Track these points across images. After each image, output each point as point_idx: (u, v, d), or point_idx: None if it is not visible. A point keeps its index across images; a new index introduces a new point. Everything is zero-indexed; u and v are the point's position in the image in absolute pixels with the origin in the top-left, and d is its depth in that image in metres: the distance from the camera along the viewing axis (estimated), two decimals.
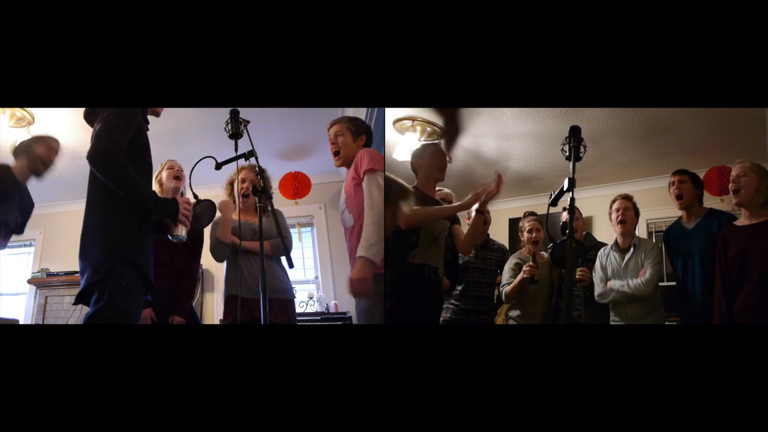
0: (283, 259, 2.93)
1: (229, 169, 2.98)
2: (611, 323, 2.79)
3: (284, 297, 2.83)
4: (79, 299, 1.72)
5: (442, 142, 3.90)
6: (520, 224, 3.28)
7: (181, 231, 1.83)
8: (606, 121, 3.72)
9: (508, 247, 3.51)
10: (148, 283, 1.78)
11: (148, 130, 1.92)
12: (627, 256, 2.79)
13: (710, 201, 3.37)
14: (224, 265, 2.93)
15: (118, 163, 1.66)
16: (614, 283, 2.75)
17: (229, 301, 2.82)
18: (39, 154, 2.38)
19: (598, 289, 2.81)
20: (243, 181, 2.83)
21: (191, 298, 2.93)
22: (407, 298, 2.24)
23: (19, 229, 2.57)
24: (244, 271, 2.74)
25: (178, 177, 2.90)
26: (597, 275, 2.85)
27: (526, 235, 3.17)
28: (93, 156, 1.66)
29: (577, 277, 2.78)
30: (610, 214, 2.88)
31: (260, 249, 2.08)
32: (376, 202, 2.16)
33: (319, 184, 5.08)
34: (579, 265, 2.80)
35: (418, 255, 2.29)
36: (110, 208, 1.73)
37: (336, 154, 2.41)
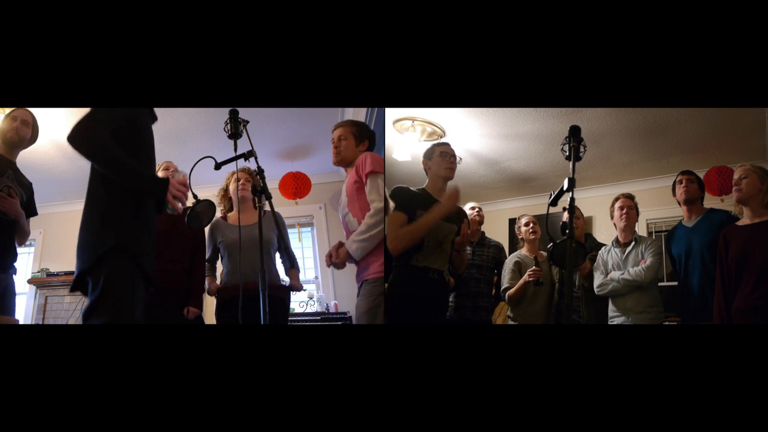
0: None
1: (223, 175, 3.03)
2: (610, 316, 2.84)
3: (279, 294, 2.87)
4: (75, 286, 1.71)
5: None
6: (516, 224, 3.33)
7: (175, 205, 1.80)
8: (606, 121, 3.72)
9: (507, 247, 3.53)
10: (146, 275, 1.75)
11: (155, 120, 1.91)
12: (627, 250, 2.86)
13: (710, 201, 3.38)
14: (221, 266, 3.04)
15: (98, 138, 1.61)
16: (614, 274, 2.81)
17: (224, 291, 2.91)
18: (7, 128, 2.52)
19: (597, 281, 2.85)
20: (238, 180, 2.89)
21: (202, 291, 3.01)
22: (410, 298, 2.24)
23: (31, 210, 2.63)
24: (242, 269, 2.76)
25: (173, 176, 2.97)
26: (598, 270, 2.90)
27: (523, 229, 3.22)
28: (71, 134, 1.61)
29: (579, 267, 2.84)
30: (612, 211, 2.97)
31: (260, 249, 2.08)
32: (376, 205, 2.18)
33: (319, 184, 5.09)
34: (579, 265, 2.83)
35: (422, 258, 2.30)
36: (106, 197, 1.71)
37: (336, 154, 2.42)
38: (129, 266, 1.68)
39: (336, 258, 2.27)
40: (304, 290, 3.04)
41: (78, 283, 1.70)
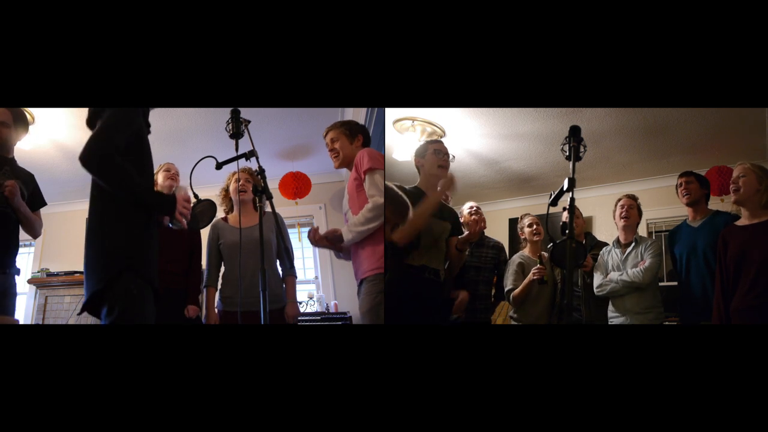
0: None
1: (225, 175, 3.03)
2: (609, 317, 2.84)
3: (281, 305, 2.85)
4: (86, 308, 1.70)
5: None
6: (519, 224, 3.31)
7: (182, 221, 1.83)
8: (606, 121, 3.72)
9: (507, 247, 3.53)
10: (155, 290, 1.76)
11: (149, 132, 1.90)
12: (627, 251, 2.86)
13: (710, 201, 3.37)
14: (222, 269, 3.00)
15: (112, 161, 1.63)
16: (613, 275, 2.81)
17: (224, 316, 2.86)
18: None
19: (597, 281, 2.85)
20: (237, 180, 2.89)
21: (199, 292, 3.02)
22: (407, 299, 2.24)
23: (38, 201, 2.64)
24: (243, 279, 2.73)
25: (173, 179, 2.98)
26: (598, 270, 2.91)
27: (526, 230, 3.21)
28: (84, 156, 1.62)
29: (583, 264, 2.86)
30: (614, 211, 2.98)
31: (260, 249, 2.08)
32: (376, 199, 2.18)
33: (319, 184, 5.09)
34: (579, 265, 2.84)
35: (418, 256, 2.29)
36: (112, 215, 1.70)
37: (335, 157, 2.43)
38: (140, 285, 1.68)
39: (322, 237, 2.31)
40: (298, 322, 2.95)
41: (89, 303, 1.69)
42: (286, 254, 2.79)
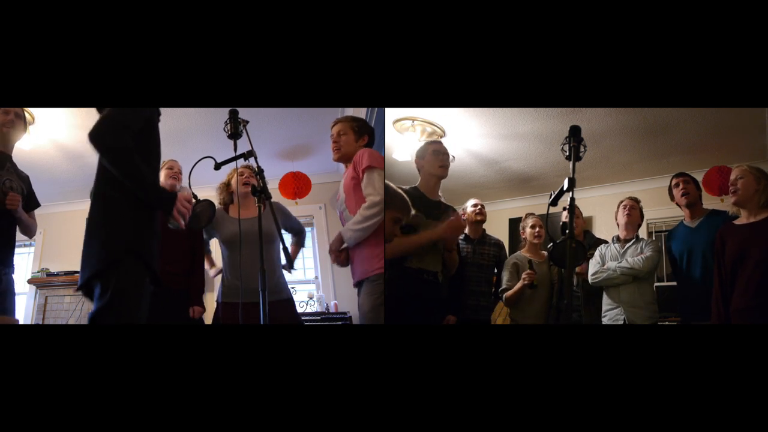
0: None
1: (222, 175, 3.04)
2: (604, 309, 2.85)
3: (282, 297, 2.83)
4: (81, 288, 1.67)
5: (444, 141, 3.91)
6: (522, 223, 3.32)
7: (179, 221, 1.80)
8: (606, 121, 3.72)
9: (507, 247, 3.53)
10: (154, 276, 1.74)
11: (159, 121, 1.87)
12: (627, 245, 2.88)
13: (710, 201, 3.38)
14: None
15: (122, 145, 1.58)
16: (611, 263, 2.82)
17: (224, 307, 2.85)
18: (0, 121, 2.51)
19: (592, 269, 2.85)
20: (241, 174, 2.90)
21: (203, 291, 3.05)
22: (407, 299, 2.24)
23: (33, 202, 2.66)
24: (243, 270, 2.73)
25: (175, 177, 2.96)
26: (594, 261, 2.92)
27: (528, 230, 3.21)
28: (95, 133, 1.56)
29: (576, 271, 2.85)
30: (616, 211, 3.00)
31: (260, 249, 2.08)
32: (372, 198, 2.18)
33: (319, 184, 5.08)
34: (579, 264, 2.84)
35: (416, 260, 2.30)
36: (118, 199, 1.67)
37: (336, 150, 2.42)
38: (139, 270, 1.67)
39: (336, 256, 2.33)
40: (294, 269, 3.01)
41: (85, 285, 1.67)
42: (293, 232, 2.91)
